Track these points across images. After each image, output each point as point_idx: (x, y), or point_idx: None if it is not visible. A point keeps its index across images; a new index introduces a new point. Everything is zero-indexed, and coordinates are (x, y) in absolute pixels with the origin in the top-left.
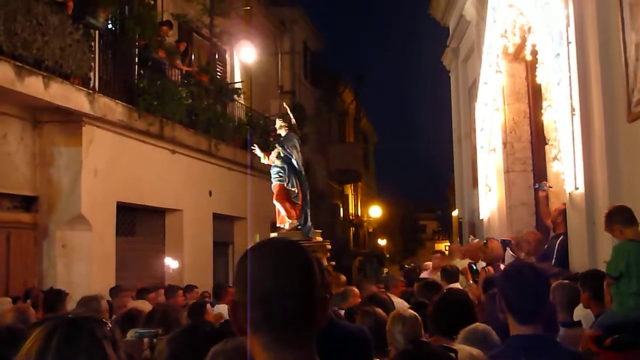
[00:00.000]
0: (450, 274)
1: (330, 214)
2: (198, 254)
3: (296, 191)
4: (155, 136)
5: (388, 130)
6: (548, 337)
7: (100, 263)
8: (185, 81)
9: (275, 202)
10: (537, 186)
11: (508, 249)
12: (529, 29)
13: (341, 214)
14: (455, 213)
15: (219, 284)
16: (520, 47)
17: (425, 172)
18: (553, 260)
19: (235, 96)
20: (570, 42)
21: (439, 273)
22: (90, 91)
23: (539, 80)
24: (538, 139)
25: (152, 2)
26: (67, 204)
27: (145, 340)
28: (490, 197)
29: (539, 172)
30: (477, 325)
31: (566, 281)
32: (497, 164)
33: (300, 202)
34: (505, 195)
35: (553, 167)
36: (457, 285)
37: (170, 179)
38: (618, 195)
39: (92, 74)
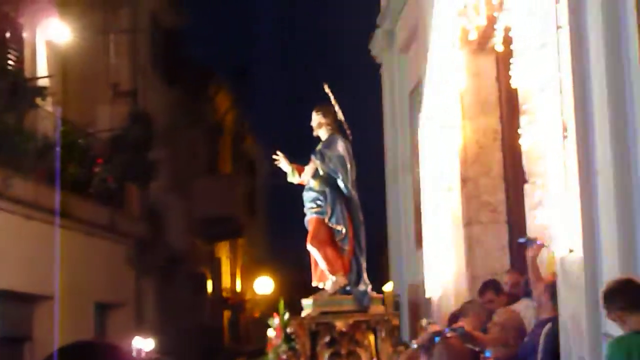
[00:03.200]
0: None
1: (191, 289)
2: None
3: (344, 231)
4: None
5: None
6: None
7: None
8: None
9: (310, 246)
10: (522, 241)
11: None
12: (500, 3)
13: (209, 290)
14: (388, 287)
15: None
16: (488, 32)
17: None
18: None
19: (39, 99)
20: (560, 27)
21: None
22: None
23: (515, 83)
24: (515, 174)
25: None
26: None
27: None
28: (442, 262)
29: (516, 223)
30: None
31: None
32: (453, 211)
33: (350, 248)
34: (466, 261)
35: (536, 218)
36: None
37: None
38: (633, 261)
39: None
